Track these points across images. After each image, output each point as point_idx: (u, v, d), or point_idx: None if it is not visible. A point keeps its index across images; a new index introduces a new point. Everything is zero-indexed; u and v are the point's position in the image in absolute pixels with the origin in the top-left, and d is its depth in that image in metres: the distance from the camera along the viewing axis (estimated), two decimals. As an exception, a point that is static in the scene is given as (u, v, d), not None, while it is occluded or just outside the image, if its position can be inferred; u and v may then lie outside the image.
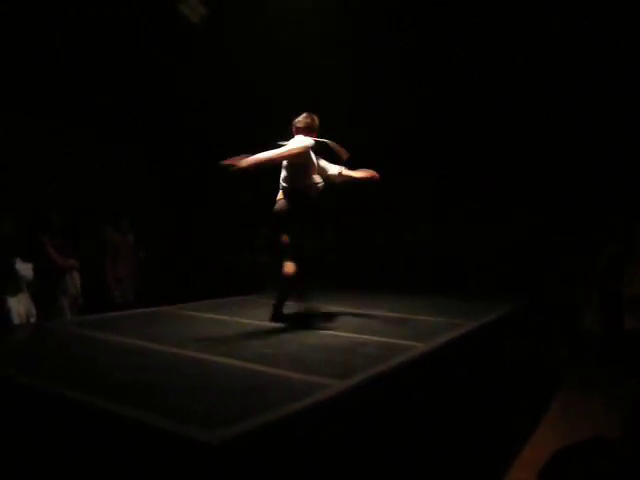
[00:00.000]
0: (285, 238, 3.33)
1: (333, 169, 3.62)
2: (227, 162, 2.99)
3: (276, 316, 3.28)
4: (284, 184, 3.34)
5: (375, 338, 2.73)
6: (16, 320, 3.97)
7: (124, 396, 1.76)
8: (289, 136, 3.41)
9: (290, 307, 3.53)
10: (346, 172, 3.63)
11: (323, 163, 3.61)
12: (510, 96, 6.27)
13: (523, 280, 5.62)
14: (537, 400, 4.07)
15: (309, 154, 3.34)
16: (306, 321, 3.21)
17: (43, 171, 5.86)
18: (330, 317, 3.47)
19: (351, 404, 1.94)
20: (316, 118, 3.48)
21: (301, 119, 3.43)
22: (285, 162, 3.32)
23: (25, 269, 4.18)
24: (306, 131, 3.39)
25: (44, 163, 5.91)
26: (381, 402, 2.14)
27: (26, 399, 1.92)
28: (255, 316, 3.42)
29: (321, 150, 3.55)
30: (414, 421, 2.34)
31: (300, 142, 3.28)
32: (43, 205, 5.04)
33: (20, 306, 4.04)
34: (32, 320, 4.16)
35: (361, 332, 2.86)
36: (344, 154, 3.44)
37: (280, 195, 3.36)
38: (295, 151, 3.21)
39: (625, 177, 5.80)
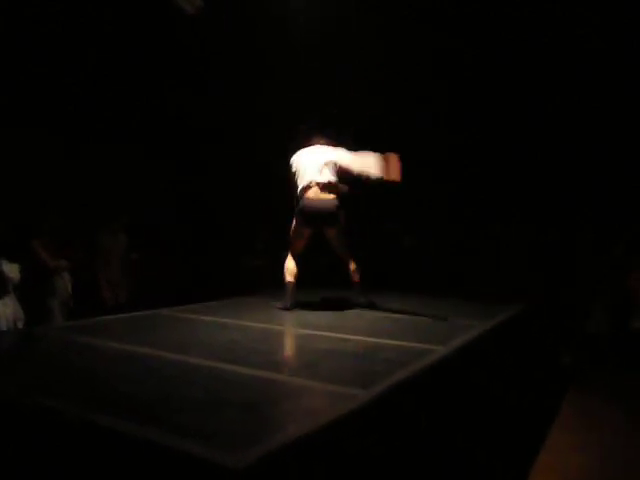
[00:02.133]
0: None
1: None
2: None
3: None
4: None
5: (391, 342, 2.54)
6: (3, 325, 3.74)
7: (130, 412, 1.55)
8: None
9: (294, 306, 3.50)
10: None
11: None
12: (516, 98, 6.17)
13: (524, 282, 5.48)
14: (547, 403, 3.96)
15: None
16: (316, 324, 3.03)
17: (29, 170, 5.59)
18: (340, 319, 3.30)
19: (380, 414, 1.77)
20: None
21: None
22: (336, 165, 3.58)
23: (12, 270, 3.95)
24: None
25: (30, 162, 5.63)
26: (406, 410, 1.98)
27: (14, 416, 1.72)
28: (258, 319, 3.21)
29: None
30: (436, 427, 2.19)
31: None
32: (30, 204, 4.79)
33: (7, 310, 3.80)
34: (20, 325, 3.93)
35: (375, 335, 2.67)
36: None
37: (328, 195, 3.51)
38: None
39: (624, 178, 5.72)
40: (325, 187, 3.52)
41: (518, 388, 3.58)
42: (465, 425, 2.45)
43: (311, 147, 3.71)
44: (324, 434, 1.48)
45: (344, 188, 3.63)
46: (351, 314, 3.51)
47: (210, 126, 6.98)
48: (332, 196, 3.52)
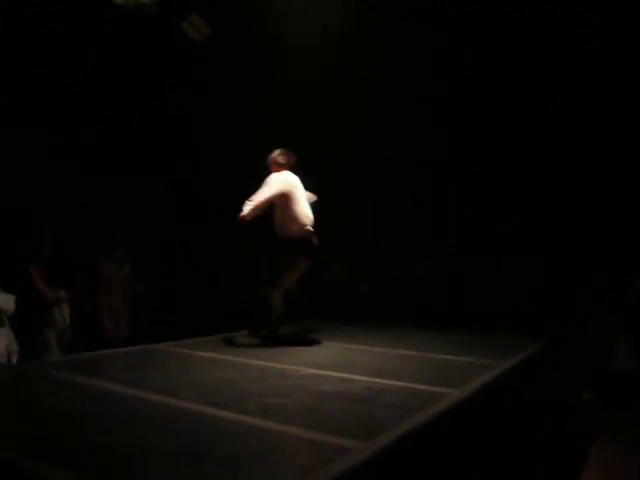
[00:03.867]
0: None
1: None
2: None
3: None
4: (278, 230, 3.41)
5: (397, 383, 2.33)
6: (-3, 359, 3.58)
7: (104, 467, 1.42)
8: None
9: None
10: None
11: None
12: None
13: (542, 316, 5.17)
14: (572, 452, 3.68)
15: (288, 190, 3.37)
16: (319, 362, 2.84)
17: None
18: (344, 357, 3.09)
19: (382, 469, 1.59)
20: (290, 155, 3.55)
21: (276, 155, 3.52)
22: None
23: (6, 301, 3.75)
24: (278, 167, 3.47)
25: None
26: (410, 464, 1.80)
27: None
28: (259, 356, 3.02)
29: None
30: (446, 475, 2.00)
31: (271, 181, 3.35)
32: (28, 230, 4.63)
33: (0, 343, 3.63)
34: (14, 358, 3.74)
35: (381, 375, 2.45)
36: None
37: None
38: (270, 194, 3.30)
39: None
40: None
41: (542, 430, 3.33)
42: (482, 473, 2.26)
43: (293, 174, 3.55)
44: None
45: None
46: (357, 351, 3.30)
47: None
48: None
